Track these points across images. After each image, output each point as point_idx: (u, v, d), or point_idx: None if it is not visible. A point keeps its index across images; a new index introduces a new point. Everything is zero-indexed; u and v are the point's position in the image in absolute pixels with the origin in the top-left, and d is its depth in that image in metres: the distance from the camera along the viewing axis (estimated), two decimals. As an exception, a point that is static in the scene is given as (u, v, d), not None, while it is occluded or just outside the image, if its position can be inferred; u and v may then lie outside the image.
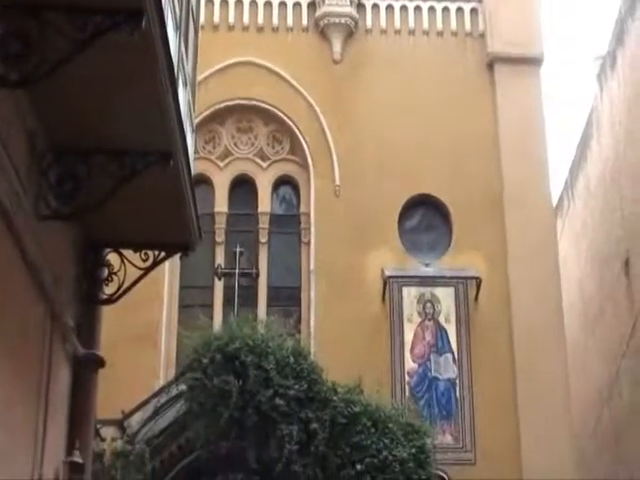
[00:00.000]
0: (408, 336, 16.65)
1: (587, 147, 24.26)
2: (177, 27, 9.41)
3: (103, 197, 9.15)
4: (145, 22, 7.45)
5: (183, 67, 10.05)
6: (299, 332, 16.29)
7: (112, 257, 10.72)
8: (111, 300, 10.59)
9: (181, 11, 9.74)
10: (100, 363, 10.35)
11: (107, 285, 10.65)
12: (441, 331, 16.75)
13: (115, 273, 10.56)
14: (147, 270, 10.52)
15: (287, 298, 17.75)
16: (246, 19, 18.85)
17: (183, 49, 10.07)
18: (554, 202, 26.41)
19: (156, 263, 10.59)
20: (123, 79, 8.13)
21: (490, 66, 18.68)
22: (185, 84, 10.24)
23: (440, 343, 16.68)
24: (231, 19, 18.84)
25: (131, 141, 8.93)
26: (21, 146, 8.02)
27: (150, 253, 10.60)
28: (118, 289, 10.51)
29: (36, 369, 8.53)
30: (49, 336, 8.99)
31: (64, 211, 8.96)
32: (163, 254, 10.61)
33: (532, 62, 18.84)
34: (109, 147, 9.00)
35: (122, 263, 10.56)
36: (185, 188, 9.97)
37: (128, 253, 10.65)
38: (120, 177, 9.03)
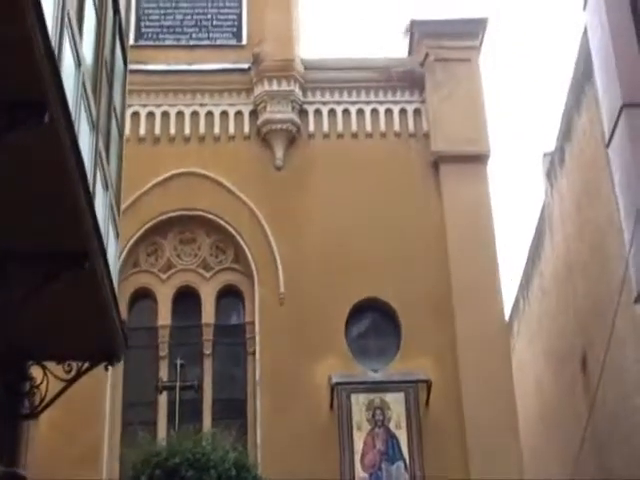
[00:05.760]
0: (358, 445, 16.07)
1: (540, 245, 24.23)
2: (94, 127, 9.20)
3: (18, 305, 8.81)
4: (48, 117, 7.22)
5: (103, 169, 9.82)
6: (245, 444, 15.72)
7: (35, 369, 10.33)
8: (33, 414, 10.17)
9: (99, 112, 9.54)
10: (23, 482, 9.86)
11: (29, 399, 10.23)
12: (392, 438, 16.20)
13: (37, 386, 10.17)
14: (70, 382, 10.16)
15: (233, 410, 17.16)
16: (187, 130, 18.74)
17: (103, 151, 9.85)
18: (510, 304, 26.40)
19: (80, 374, 10.23)
20: (32, 179, 7.87)
21: (435, 165, 18.59)
22: (106, 187, 10.00)
23: (391, 451, 16.11)
24: (172, 130, 18.73)
25: (44, 244, 8.62)
26: None
27: (74, 364, 10.23)
28: (40, 403, 10.10)
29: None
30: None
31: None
32: (87, 364, 10.25)
33: (478, 159, 18.70)
34: (22, 251, 8.68)
35: (45, 375, 10.18)
36: (107, 294, 9.65)
37: (51, 364, 10.27)
38: (34, 283, 8.71)
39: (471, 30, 19.64)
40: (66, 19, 7.63)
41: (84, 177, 8.14)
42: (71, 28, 7.90)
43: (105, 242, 9.40)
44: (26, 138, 7.28)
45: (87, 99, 8.76)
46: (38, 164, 7.70)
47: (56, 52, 7.22)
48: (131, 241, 17.56)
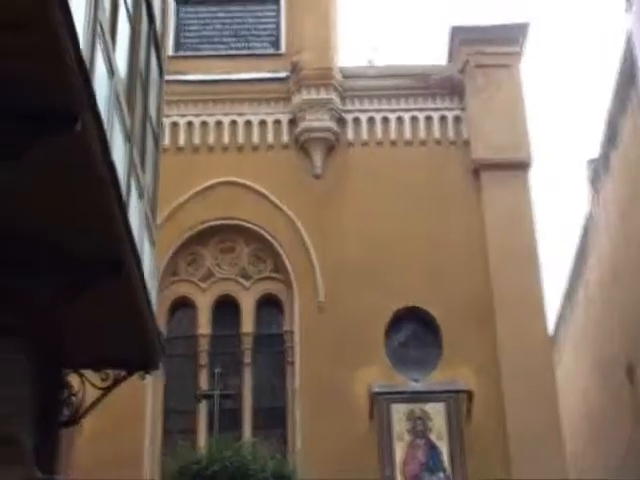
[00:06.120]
0: (398, 455, 15.88)
1: (585, 252, 23.97)
2: (127, 136, 9.20)
3: (53, 313, 8.84)
4: (80, 126, 7.20)
5: (138, 178, 9.82)
6: (285, 453, 15.67)
7: (72, 377, 10.37)
8: (71, 422, 10.20)
9: (133, 121, 9.54)
10: (60, 489, 9.89)
11: (67, 407, 10.26)
12: (433, 449, 16.00)
13: (75, 394, 10.21)
14: (107, 390, 10.17)
15: (273, 419, 17.13)
16: (226, 139, 18.77)
17: (138, 160, 9.86)
18: (555, 314, 26.12)
19: (116, 382, 10.24)
20: (64, 187, 7.87)
21: (476, 172, 18.44)
22: (141, 195, 10.00)
23: (432, 462, 15.91)
24: (211, 140, 18.77)
25: (78, 252, 8.62)
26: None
27: (111, 372, 10.26)
28: (78, 410, 10.13)
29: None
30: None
31: (16, 326, 8.69)
32: (124, 373, 10.27)
33: (519, 167, 18.51)
34: (56, 259, 8.69)
35: (82, 383, 10.21)
36: (142, 301, 9.64)
37: (88, 372, 10.30)
38: (69, 292, 8.72)
39: (512, 36, 19.46)
40: (98, 28, 7.63)
41: (116, 185, 8.12)
42: (104, 37, 7.90)
43: (140, 250, 9.39)
44: (58, 146, 7.27)
45: (121, 108, 8.76)
46: (70, 172, 7.69)
47: (88, 61, 7.21)
48: (170, 250, 17.59)
